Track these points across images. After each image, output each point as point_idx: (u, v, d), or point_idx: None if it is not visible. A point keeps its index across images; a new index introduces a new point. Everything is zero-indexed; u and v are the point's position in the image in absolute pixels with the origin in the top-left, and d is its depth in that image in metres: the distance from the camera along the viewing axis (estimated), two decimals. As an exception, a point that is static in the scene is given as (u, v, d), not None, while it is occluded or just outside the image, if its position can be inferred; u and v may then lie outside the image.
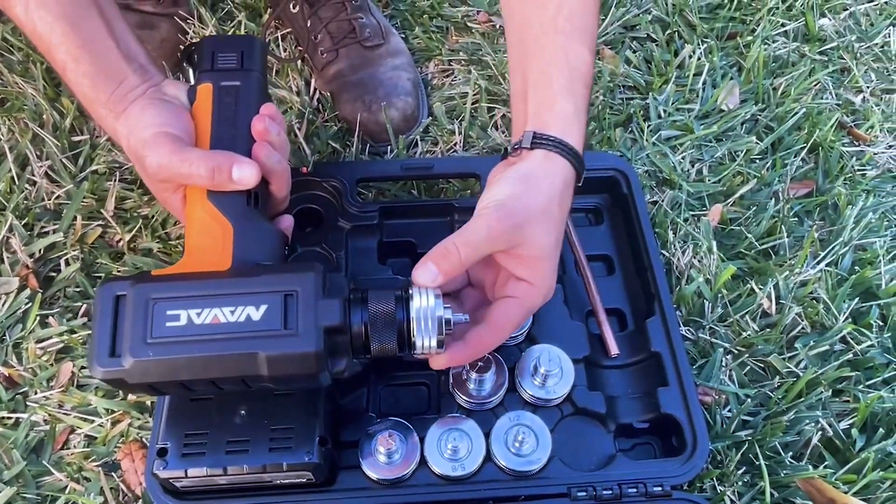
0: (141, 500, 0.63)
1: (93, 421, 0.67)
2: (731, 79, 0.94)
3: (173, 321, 0.48)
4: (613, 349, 0.67)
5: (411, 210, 0.75)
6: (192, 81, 0.62)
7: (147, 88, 0.58)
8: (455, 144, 0.86)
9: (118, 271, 0.76)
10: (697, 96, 0.92)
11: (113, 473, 0.64)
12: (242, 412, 0.56)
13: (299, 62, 0.92)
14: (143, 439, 0.66)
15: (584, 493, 0.57)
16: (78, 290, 0.75)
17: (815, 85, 0.94)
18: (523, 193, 0.54)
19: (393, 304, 0.52)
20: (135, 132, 0.56)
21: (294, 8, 0.90)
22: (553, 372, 0.62)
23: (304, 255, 0.70)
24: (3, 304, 0.72)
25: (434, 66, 0.96)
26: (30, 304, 0.72)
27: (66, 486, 0.63)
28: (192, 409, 0.57)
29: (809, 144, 0.88)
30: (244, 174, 0.54)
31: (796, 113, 0.90)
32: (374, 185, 0.81)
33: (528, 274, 0.54)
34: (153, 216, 0.79)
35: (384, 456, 0.58)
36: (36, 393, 0.68)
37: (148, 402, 0.67)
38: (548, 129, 0.55)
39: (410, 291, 0.52)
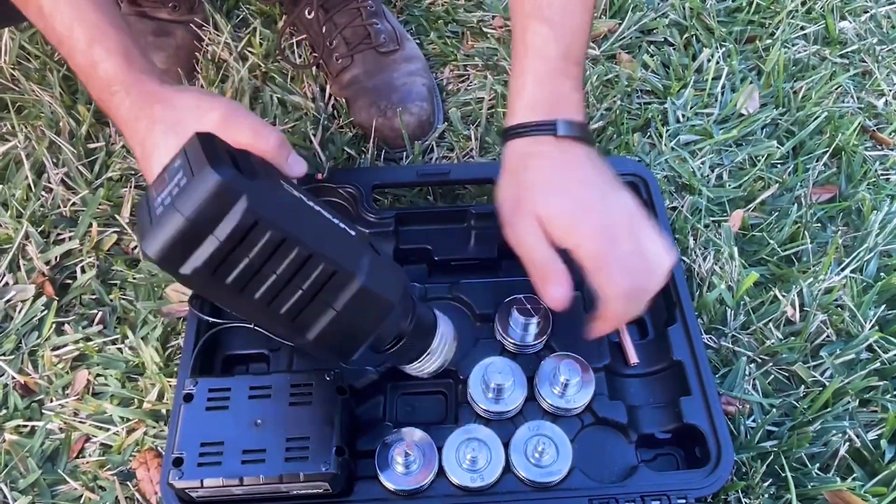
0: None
1: (108, 429, 0.66)
2: (751, 83, 0.92)
3: None
4: (633, 358, 0.65)
5: (427, 216, 0.74)
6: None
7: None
8: (471, 150, 0.85)
9: (133, 278, 0.75)
10: (716, 100, 0.91)
11: (128, 482, 0.63)
12: (258, 421, 0.55)
13: (314, 68, 0.92)
14: (159, 448, 0.65)
15: (606, 505, 0.56)
16: (94, 297, 0.75)
17: (837, 88, 0.93)
18: (506, 182, 0.60)
19: (434, 318, 0.56)
20: (187, 100, 0.57)
21: (309, 14, 0.90)
22: (573, 381, 0.61)
23: None
24: (19, 312, 0.72)
25: (449, 72, 0.95)
26: (46, 312, 0.72)
27: (81, 496, 0.63)
28: (208, 418, 0.56)
29: (832, 149, 0.86)
30: (297, 163, 0.58)
31: (817, 117, 0.88)
32: (389, 191, 0.80)
33: (572, 243, 0.55)
34: (168, 223, 0.79)
35: (402, 466, 0.57)
36: (51, 401, 0.68)
37: (163, 411, 0.67)
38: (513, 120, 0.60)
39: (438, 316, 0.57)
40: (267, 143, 0.56)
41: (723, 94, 0.91)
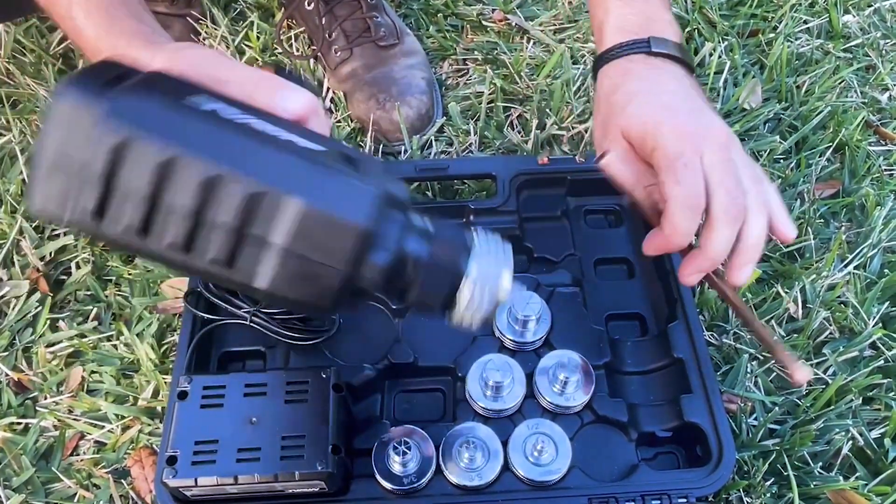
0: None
1: (102, 427, 0.65)
2: (753, 77, 0.91)
3: None
4: (801, 375, 0.54)
5: (427, 212, 0.73)
6: None
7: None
8: (470, 145, 0.84)
9: (129, 274, 0.75)
10: (718, 95, 0.90)
11: (123, 481, 0.63)
12: (253, 419, 0.55)
13: (312, 61, 0.91)
14: (154, 446, 0.64)
15: (606, 505, 0.55)
16: (89, 293, 0.74)
17: (840, 83, 0.92)
18: (596, 112, 0.58)
19: (462, 234, 0.41)
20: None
21: (309, 5, 0.89)
22: (573, 379, 0.60)
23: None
24: (13, 308, 0.71)
25: (448, 66, 0.94)
26: (40, 308, 0.71)
27: (76, 494, 0.62)
28: (202, 415, 0.55)
29: (835, 144, 0.85)
30: (287, 98, 0.41)
31: (821, 111, 0.87)
32: (387, 186, 0.79)
33: (650, 146, 0.51)
34: (164, 218, 0.78)
35: (399, 465, 0.56)
36: (46, 398, 0.67)
37: (159, 408, 0.66)
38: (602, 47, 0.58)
39: (475, 237, 0.41)
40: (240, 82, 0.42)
41: (725, 88, 0.90)
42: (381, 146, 0.84)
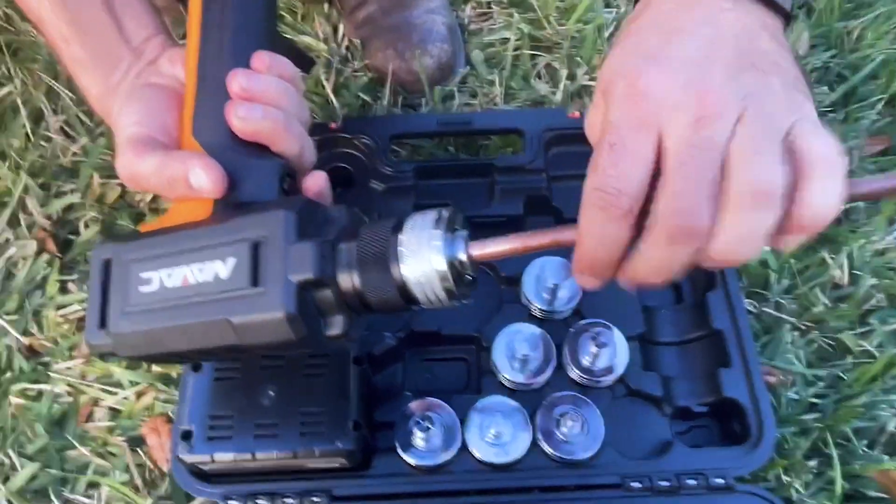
0: (168, 478, 0.60)
1: (116, 393, 0.64)
2: (801, 22, 0.84)
3: (146, 285, 0.43)
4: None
5: (448, 170, 0.69)
6: None
7: (140, 70, 0.51)
8: (495, 97, 0.79)
9: (139, 234, 0.72)
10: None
11: (138, 449, 0.61)
12: (271, 393, 0.52)
13: (326, 5, 0.85)
14: (170, 413, 0.63)
15: (639, 484, 0.53)
16: (98, 253, 0.71)
17: (894, 28, 0.85)
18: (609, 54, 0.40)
19: (387, 240, 0.40)
20: (116, 135, 0.49)
21: (320, -55, 0.83)
22: (605, 350, 0.57)
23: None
24: (21, 269, 0.69)
25: (471, 10, 0.88)
26: (49, 270, 0.69)
27: (90, 462, 0.61)
28: (216, 389, 0.53)
29: (887, 96, 0.79)
30: (201, 181, 0.44)
31: (873, 60, 0.81)
32: (407, 142, 0.75)
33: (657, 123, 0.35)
34: (174, 175, 0.74)
35: (421, 441, 0.54)
36: (58, 363, 0.65)
37: (174, 374, 0.64)
38: None
39: (405, 220, 0.41)
40: (160, 191, 0.47)
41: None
42: (401, 99, 0.79)
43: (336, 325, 0.42)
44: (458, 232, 0.41)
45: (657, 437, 0.57)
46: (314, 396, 0.52)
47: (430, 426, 0.54)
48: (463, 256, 0.40)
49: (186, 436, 0.51)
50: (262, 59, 0.48)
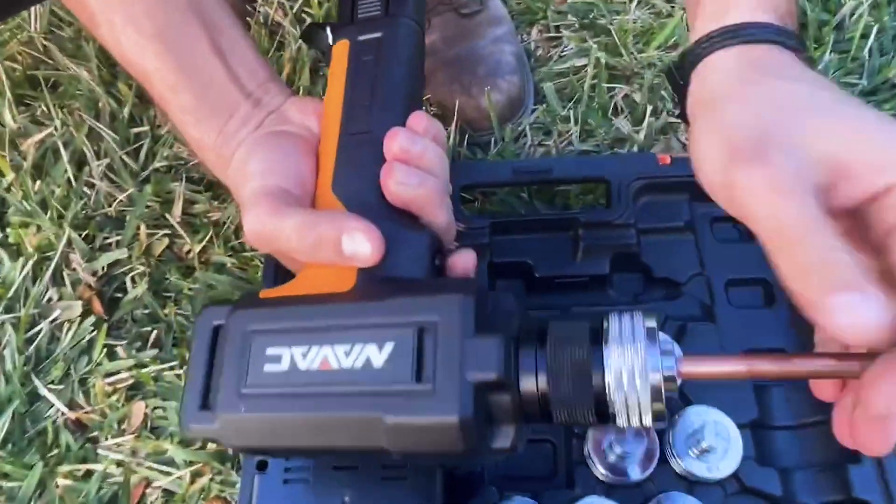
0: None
1: (169, 473, 0.59)
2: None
3: (273, 364, 0.36)
4: None
5: (527, 225, 0.63)
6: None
7: (263, 118, 0.46)
8: (570, 134, 0.72)
9: (189, 290, 0.67)
10: (862, 66, 0.75)
11: (195, 536, 0.56)
12: (346, 500, 0.47)
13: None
14: (228, 496, 0.58)
15: None
16: (146, 312, 0.66)
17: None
18: (718, 117, 0.37)
19: (587, 343, 0.34)
20: (238, 188, 0.44)
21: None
22: (717, 443, 0.50)
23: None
24: (66, 333, 0.64)
25: (538, 33, 0.81)
26: (95, 333, 0.64)
27: (145, 552, 0.56)
28: (286, 492, 0.47)
29: None
30: (359, 248, 0.38)
31: None
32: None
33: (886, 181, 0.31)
34: (224, 222, 0.69)
35: (512, 546, 0.48)
36: (107, 438, 0.61)
37: (230, 451, 0.59)
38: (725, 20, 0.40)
39: (604, 321, 0.35)
40: (300, 253, 0.41)
41: (870, 57, 0.76)
42: (467, 137, 0.72)
43: (505, 437, 0.35)
44: (665, 342, 0.35)
45: (776, 543, 0.50)
46: (395, 502, 0.47)
47: (519, 531, 0.48)
48: (673, 373, 0.34)
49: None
50: (420, 120, 0.43)
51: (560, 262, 0.62)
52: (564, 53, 0.78)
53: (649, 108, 0.71)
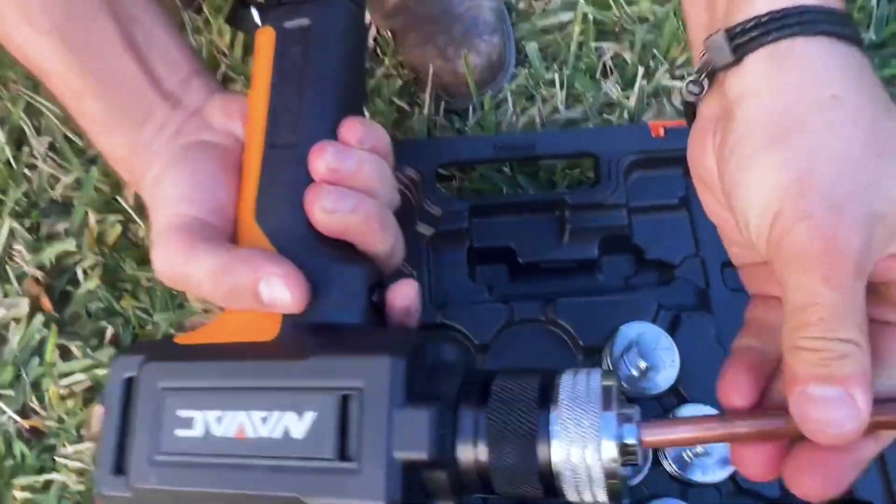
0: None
1: (135, 482, 0.55)
2: None
3: (186, 429, 0.33)
4: None
5: (510, 207, 0.58)
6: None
7: (181, 124, 0.40)
8: (555, 100, 0.66)
9: (147, 280, 0.62)
10: (871, 17, 0.70)
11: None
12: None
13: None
14: None
15: None
16: (101, 306, 0.61)
17: None
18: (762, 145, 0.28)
19: (534, 410, 0.31)
20: (151, 211, 0.39)
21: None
22: (712, 445, 0.47)
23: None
24: (14, 333, 0.60)
25: (519, -16, 0.74)
26: (45, 332, 0.59)
27: (112, 566, 0.53)
28: None
29: None
30: (278, 296, 0.34)
31: None
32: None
33: None
34: (183, 204, 0.63)
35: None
36: (65, 446, 0.57)
37: None
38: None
39: (555, 382, 0.31)
40: (215, 298, 0.37)
41: (878, 6, 0.70)
42: (443, 104, 0.66)
43: None
44: (625, 407, 0.31)
45: (773, 546, 0.48)
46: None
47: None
48: (632, 441, 0.30)
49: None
50: (354, 128, 0.37)
51: (545, 246, 0.57)
52: (549, 7, 0.72)
53: (640, 70, 0.65)
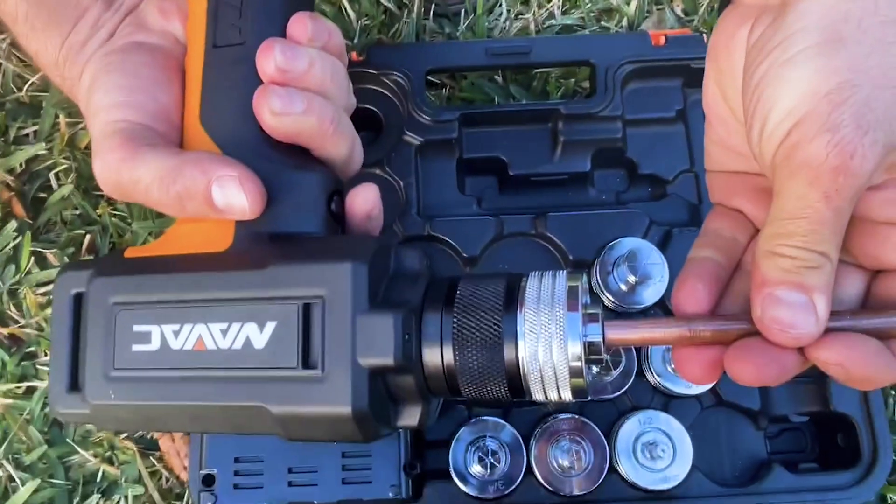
0: (188, 489, 0.53)
1: (119, 389, 0.55)
2: None
3: (142, 344, 0.32)
4: None
5: (501, 117, 0.56)
6: None
7: (117, 24, 0.36)
8: (551, 5, 0.63)
9: (124, 187, 0.59)
10: None
11: (150, 454, 0.54)
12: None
13: None
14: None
15: (735, 520, 0.46)
16: (77, 213, 0.59)
17: None
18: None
19: (499, 312, 0.31)
20: (88, 120, 0.36)
21: None
22: (696, 360, 0.48)
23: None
24: (-13, 240, 0.58)
25: None
26: (20, 238, 0.58)
27: (98, 469, 0.54)
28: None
29: None
30: (234, 200, 0.32)
31: None
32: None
33: None
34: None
35: (480, 467, 0.47)
36: (45, 354, 0.56)
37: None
38: None
39: (521, 285, 0.31)
40: (164, 206, 0.35)
41: None
42: (433, 7, 0.63)
43: (411, 416, 0.32)
44: (590, 306, 0.31)
45: (750, 455, 0.50)
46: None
47: (489, 449, 0.47)
48: (597, 339, 0.30)
49: (208, 481, 0.43)
50: (303, 24, 0.34)
51: (537, 158, 0.56)
52: None
53: (642, -27, 0.62)
